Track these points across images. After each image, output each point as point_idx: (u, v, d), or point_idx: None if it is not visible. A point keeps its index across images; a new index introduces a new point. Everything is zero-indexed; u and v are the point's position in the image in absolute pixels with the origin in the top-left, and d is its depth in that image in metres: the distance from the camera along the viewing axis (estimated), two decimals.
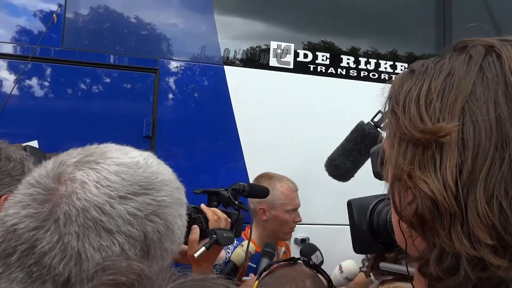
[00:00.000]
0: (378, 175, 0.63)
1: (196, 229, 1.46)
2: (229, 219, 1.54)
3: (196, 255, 1.41)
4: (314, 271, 1.33)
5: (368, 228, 0.80)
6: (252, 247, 1.85)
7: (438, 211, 0.52)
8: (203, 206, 1.53)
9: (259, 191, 1.80)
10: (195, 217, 1.49)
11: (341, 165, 1.81)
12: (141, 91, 2.65)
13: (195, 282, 0.51)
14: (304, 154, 2.77)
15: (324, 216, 2.78)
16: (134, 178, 0.67)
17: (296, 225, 2.26)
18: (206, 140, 2.72)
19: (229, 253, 1.93)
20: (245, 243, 1.78)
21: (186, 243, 1.47)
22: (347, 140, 1.83)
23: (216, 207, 1.57)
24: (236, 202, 1.57)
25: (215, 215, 1.50)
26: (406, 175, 0.54)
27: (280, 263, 1.37)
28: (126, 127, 2.58)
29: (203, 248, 1.42)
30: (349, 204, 0.83)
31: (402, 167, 0.55)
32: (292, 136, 2.80)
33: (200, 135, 2.70)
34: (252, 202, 2.19)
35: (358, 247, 0.84)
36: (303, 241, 2.71)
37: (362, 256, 2.32)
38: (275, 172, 2.26)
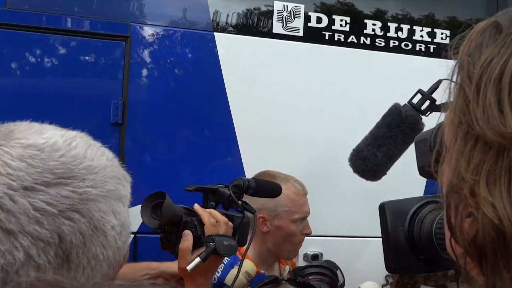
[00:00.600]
0: (425, 172, 0.61)
1: (188, 236, 1.46)
2: (230, 223, 1.54)
3: (189, 268, 1.41)
4: None
5: (407, 240, 0.79)
6: (252, 268, 1.84)
7: (505, 245, 0.49)
8: (197, 207, 1.53)
9: (269, 188, 1.79)
10: (187, 220, 1.48)
11: (371, 157, 1.78)
12: (107, 65, 2.64)
13: None
14: (316, 146, 2.77)
15: (341, 227, 2.80)
16: (45, 164, 0.67)
17: (305, 238, 2.25)
18: (192, 128, 2.71)
19: (218, 272, 1.92)
20: (245, 262, 1.78)
21: (176, 254, 1.47)
22: (378, 126, 1.80)
23: (214, 208, 1.57)
24: (239, 202, 1.57)
25: (212, 218, 1.50)
26: (467, 190, 0.52)
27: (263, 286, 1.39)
28: (89, 112, 2.57)
29: (197, 259, 1.42)
30: (382, 208, 0.82)
31: (464, 176, 0.52)
32: (301, 122, 2.79)
33: (183, 121, 2.70)
34: None
35: (392, 263, 0.83)
36: (315, 258, 2.72)
37: (385, 276, 2.31)
38: (278, 170, 2.24)
